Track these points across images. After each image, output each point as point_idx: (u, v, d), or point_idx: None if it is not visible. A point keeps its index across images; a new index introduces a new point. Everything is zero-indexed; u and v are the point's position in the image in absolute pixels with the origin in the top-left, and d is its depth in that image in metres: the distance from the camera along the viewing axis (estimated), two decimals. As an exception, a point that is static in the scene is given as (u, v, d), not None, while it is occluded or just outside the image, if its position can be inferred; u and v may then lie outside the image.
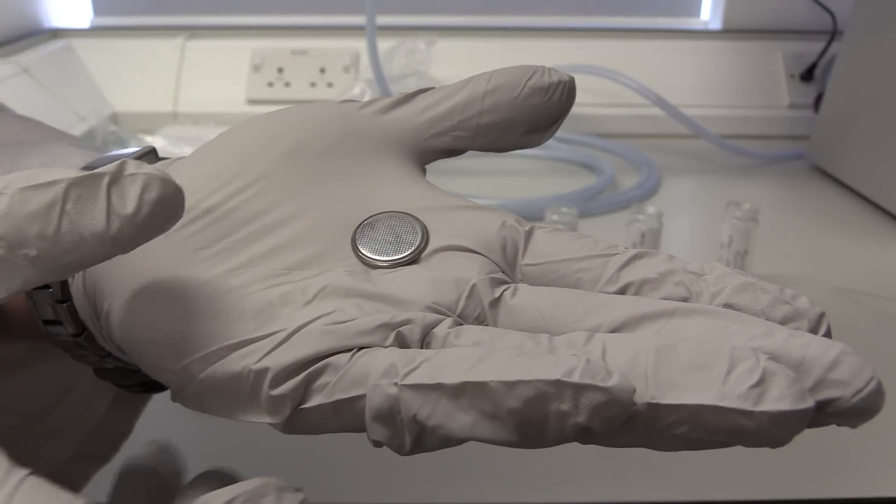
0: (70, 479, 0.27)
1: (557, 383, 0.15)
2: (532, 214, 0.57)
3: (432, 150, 0.24)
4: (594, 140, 0.78)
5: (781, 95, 0.83)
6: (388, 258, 0.21)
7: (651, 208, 0.50)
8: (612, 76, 0.76)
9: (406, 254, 0.21)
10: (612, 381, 0.15)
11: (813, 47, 0.84)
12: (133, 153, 0.24)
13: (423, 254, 0.21)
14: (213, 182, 0.22)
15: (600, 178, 0.68)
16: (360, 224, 0.22)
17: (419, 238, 0.22)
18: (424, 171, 0.25)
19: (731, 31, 0.87)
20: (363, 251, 0.22)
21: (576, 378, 0.15)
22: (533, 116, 0.23)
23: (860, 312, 0.48)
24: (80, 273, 0.21)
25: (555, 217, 0.50)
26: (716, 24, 0.90)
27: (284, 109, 0.24)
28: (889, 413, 0.41)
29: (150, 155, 0.24)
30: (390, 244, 0.22)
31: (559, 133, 0.79)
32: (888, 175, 0.62)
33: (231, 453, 0.34)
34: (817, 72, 0.83)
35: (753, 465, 0.34)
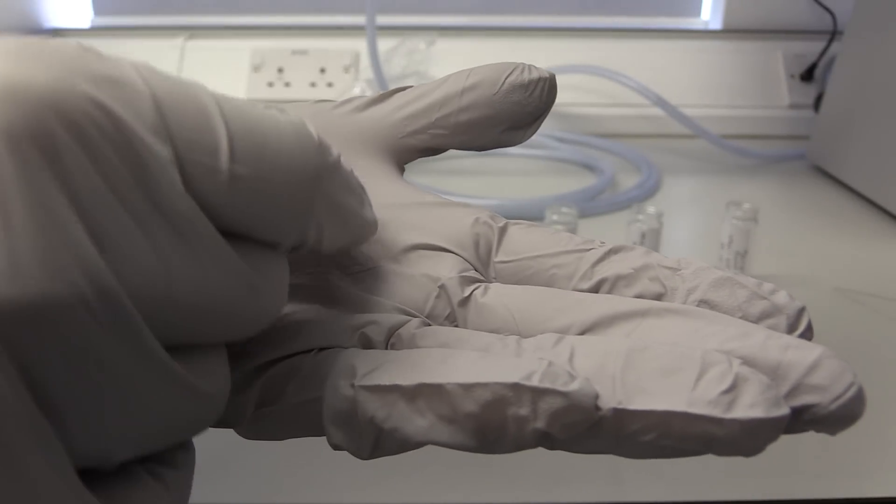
0: None
1: (516, 387, 0.15)
2: (532, 214, 0.57)
3: (410, 148, 0.24)
4: (594, 140, 0.78)
5: (781, 95, 0.83)
6: None
7: (651, 208, 0.51)
8: (613, 76, 0.76)
9: None
10: (573, 386, 0.15)
11: (813, 47, 0.84)
12: None
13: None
14: None
15: (600, 178, 0.68)
16: None
17: None
18: (402, 170, 0.24)
19: (731, 31, 0.87)
20: None
21: (535, 382, 0.15)
22: (513, 114, 0.23)
23: (860, 312, 0.48)
24: None
25: (555, 217, 0.50)
26: (716, 24, 0.90)
27: None
28: (889, 413, 0.41)
29: None
30: None
31: (560, 133, 0.79)
32: (888, 175, 0.62)
33: (224, 453, 0.34)
34: (817, 72, 0.83)
35: (753, 465, 0.34)
